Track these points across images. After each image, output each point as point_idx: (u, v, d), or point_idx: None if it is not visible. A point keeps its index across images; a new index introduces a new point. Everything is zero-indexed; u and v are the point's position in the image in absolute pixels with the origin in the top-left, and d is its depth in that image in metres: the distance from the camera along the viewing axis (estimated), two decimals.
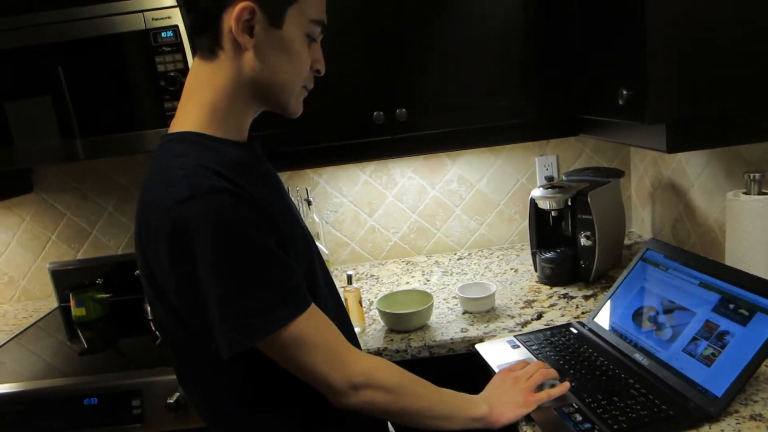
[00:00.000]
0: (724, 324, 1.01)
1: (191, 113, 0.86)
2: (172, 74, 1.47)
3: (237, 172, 0.82)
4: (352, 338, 1.03)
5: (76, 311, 1.83)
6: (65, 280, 1.97)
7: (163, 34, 1.47)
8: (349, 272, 1.51)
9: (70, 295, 1.84)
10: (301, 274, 0.86)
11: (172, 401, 1.32)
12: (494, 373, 1.19)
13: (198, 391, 0.94)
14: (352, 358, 0.87)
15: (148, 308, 1.78)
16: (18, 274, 2.10)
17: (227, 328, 0.77)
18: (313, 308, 0.85)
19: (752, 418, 0.94)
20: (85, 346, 1.67)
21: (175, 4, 1.45)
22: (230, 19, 0.81)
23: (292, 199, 1.86)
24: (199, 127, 0.85)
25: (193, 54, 0.88)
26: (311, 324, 0.83)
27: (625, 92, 1.15)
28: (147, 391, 1.36)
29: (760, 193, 1.14)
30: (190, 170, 0.78)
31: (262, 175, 0.92)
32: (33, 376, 1.45)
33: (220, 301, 0.76)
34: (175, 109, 1.48)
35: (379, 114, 1.56)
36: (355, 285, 1.71)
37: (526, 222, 1.74)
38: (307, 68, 0.91)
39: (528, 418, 1.03)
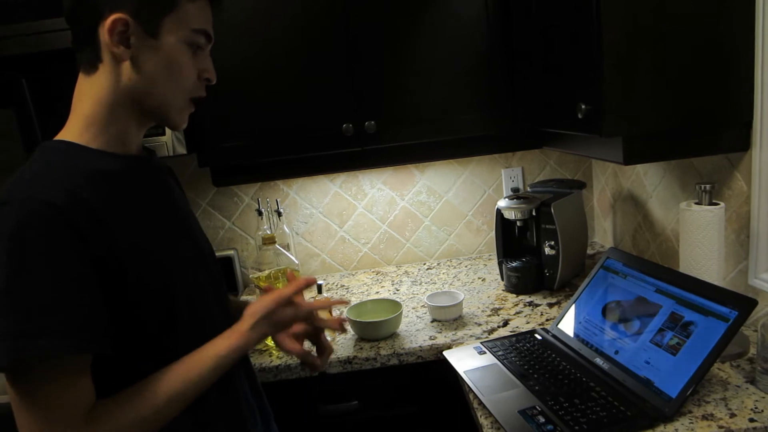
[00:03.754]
0: (688, 315, 1.07)
1: (69, 125, 0.86)
2: None
3: (92, 184, 0.80)
4: None
5: None
6: None
7: None
8: (320, 282, 1.52)
9: None
10: (101, 314, 0.78)
11: None
12: (461, 378, 1.22)
13: None
14: None
15: None
16: None
17: None
18: (82, 364, 0.77)
19: (704, 417, 0.98)
20: None
21: None
22: (104, 32, 0.81)
23: (262, 209, 1.86)
24: (74, 137, 0.85)
25: (78, 69, 0.87)
26: (67, 377, 0.75)
27: (583, 106, 1.20)
28: None
29: (711, 203, 1.20)
30: (23, 177, 0.78)
31: (136, 189, 0.88)
32: None
33: None
34: None
35: (348, 126, 1.58)
36: (325, 294, 1.73)
37: (493, 232, 1.79)
38: (191, 79, 0.89)
39: (493, 421, 1.06)
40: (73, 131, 0.85)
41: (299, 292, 0.98)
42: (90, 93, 0.85)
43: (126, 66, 0.83)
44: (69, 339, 0.73)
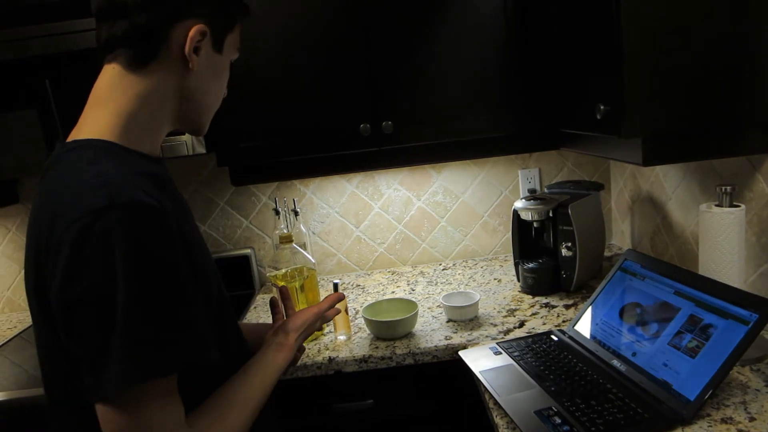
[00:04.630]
0: (707, 318, 1.06)
1: (102, 121, 0.79)
2: None
3: (156, 187, 0.77)
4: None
5: None
6: None
7: None
8: (336, 281, 1.53)
9: None
10: (206, 320, 0.78)
11: None
12: (477, 378, 1.22)
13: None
14: None
15: None
16: (2, 285, 2.09)
17: (122, 355, 0.67)
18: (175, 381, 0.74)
19: (723, 421, 0.97)
20: None
21: None
22: (180, 36, 0.80)
23: (279, 209, 1.88)
24: (112, 136, 0.78)
25: (101, 60, 0.83)
26: (173, 389, 0.73)
27: (602, 107, 1.19)
28: None
29: (732, 206, 1.18)
30: (109, 177, 0.71)
31: (173, 194, 0.86)
32: (16, 387, 1.45)
33: (122, 326, 0.67)
34: None
35: (365, 126, 1.59)
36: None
37: (510, 233, 1.78)
38: (223, 91, 0.94)
39: (509, 421, 1.06)
40: (110, 128, 0.79)
41: (331, 306, 1.13)
42: (133, 90, 0.81)
43: (189, 74, 0.83)
44: (191, 349, 0.72)
